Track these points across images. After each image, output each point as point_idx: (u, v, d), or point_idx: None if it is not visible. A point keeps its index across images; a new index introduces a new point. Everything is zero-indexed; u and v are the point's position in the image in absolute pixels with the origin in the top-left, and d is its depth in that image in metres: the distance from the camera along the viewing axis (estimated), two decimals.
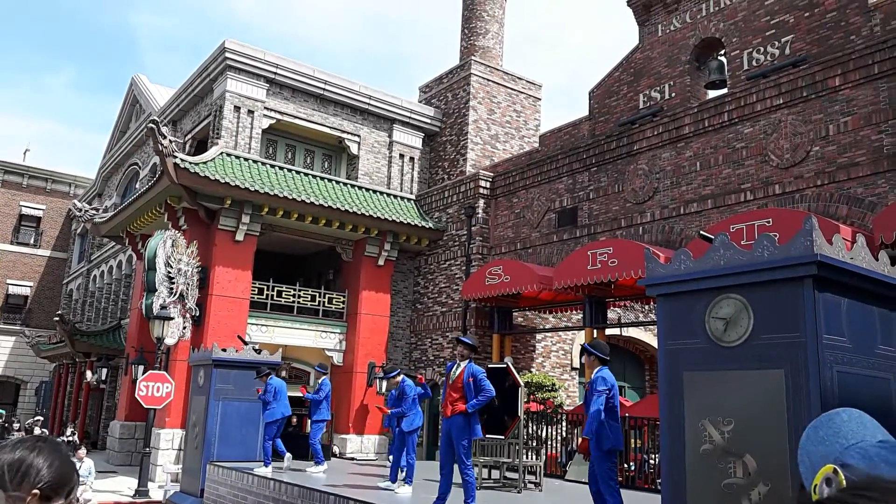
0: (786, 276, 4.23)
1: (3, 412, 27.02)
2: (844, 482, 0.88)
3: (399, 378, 10.41)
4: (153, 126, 16.19)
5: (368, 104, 21.00)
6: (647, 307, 19.66)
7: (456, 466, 7.83)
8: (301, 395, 12.41)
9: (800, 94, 12.73)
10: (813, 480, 0.93)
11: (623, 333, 21.00)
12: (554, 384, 15.79)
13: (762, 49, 13.81)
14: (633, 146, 15.61)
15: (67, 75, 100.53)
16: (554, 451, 13.87)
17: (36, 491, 1.40)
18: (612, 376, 7.04)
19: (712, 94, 15.24)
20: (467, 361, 7.94)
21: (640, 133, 15.46)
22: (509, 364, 11.08)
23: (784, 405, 4.10)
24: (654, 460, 12.16)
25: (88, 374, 23.11)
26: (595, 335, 15.37)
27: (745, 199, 13.28)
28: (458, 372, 7.97)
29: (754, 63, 13.90)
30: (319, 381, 11.90)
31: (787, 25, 13.47)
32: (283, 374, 12.08)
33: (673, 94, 15.36)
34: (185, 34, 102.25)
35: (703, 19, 15.06)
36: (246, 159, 18.54)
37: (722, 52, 14.95)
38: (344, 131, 20.86)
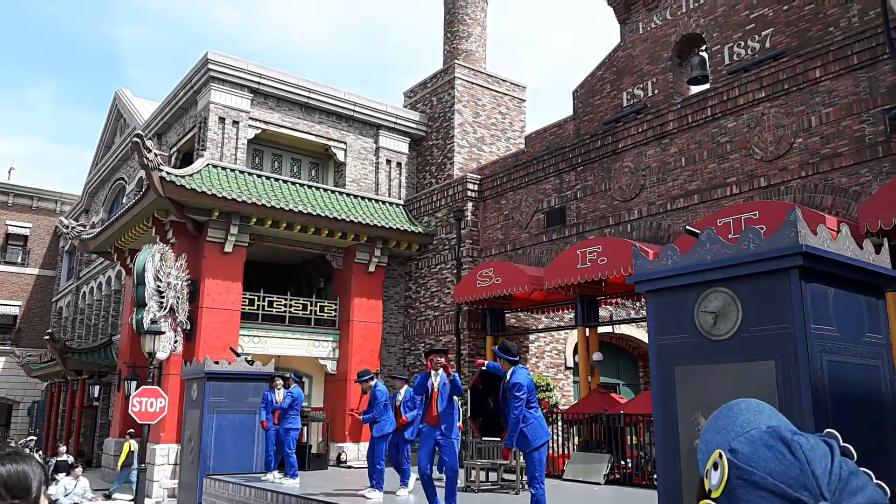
0: (772, 267, 4.27)
1: (15, 446, 26.79)
2: (727, 466, 0.92)
3: (372, 382, 10.27)
4: (138, 140, 16.13)
5: (354, 111, 21.00)
6: (638, 304, 19.73)
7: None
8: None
9: (781, 87, 12.82)
10: (706, 465, 0.99)
11: (616, 331, 21.06)
12: (549, 384, 15.81)
13: (743, 43, 13.91)
14: (619, 144, 15.68)
15: (50, 91, 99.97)
16: (551, 451, 13.87)
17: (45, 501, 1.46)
18: (526, 374, 7.27)
19: (695, 89, 15.32)
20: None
21: (625, 131, 15.53)
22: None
23: (775, 396, 4.12)
24: (650, 456, 12.19)
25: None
26: (587, 334, 15.41)
27: (731, 193, 13.36)
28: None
29: (735, 57, 14.00)
30: (290, 388, 11.79)
31: (767, 19, 13.58)
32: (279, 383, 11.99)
33: (656, 91, 15.44)
34: (167, 47, 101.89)
35: (684, 15, 15.16)
36: (232, 170, 18.49)
37: (703, 47, 15.05)
38: (330, 139, 20.84)
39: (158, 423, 15.88)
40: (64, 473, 14.48)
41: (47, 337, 23.93)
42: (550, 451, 13.82)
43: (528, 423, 7.17)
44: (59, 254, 36.80)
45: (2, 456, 1.51)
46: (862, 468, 0.93)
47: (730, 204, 12.93)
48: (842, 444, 0.95)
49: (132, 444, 17.12)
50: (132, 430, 17.49)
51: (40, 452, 19.28)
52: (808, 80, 12.45)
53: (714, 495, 0.93)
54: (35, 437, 24.08)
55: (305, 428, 17.31)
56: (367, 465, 10.08)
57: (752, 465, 0.91)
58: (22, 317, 36.31)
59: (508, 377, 7.36)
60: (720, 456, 0.94)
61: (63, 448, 19.46)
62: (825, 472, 0.89)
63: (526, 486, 7.76)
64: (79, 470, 14.24)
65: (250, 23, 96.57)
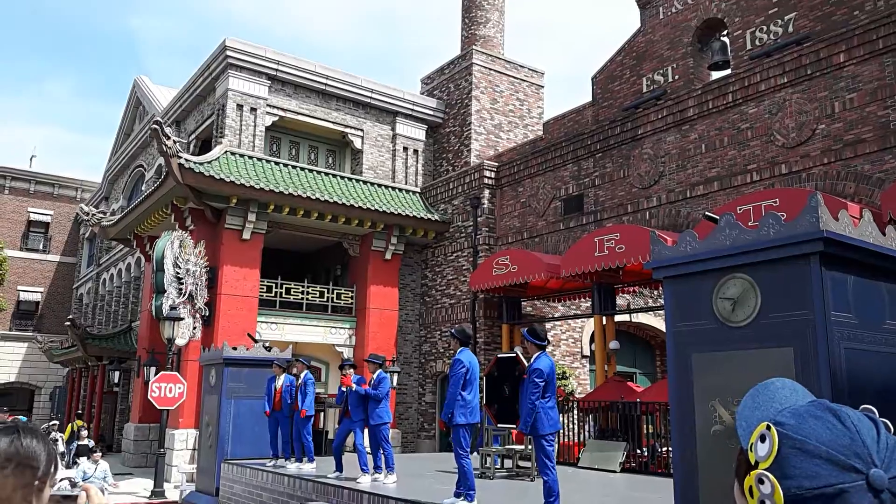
0: (792, 253, 4.19)
1: (25, 419, 27.22)
2: (777, 437, 0.94)
3: (379, 368, 10.26)
4: (156, 127, 16.21)
5: (371, 98, 20.96)
6: (655, 293, 19.59)
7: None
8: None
9: (804, 73, 12.61)
10: (749, 440, 1.00)
11: (633, 320, 20.95)
12: (564, 372, 15.78)
13: (765, 28, 13.68)
14: (638, 131, 15.52)
15: (70, 81, 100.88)
16: (566, 439, 13.86)
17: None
18: (549, 363, 7.42)
19: (716, 75, 15.12)
20: (458, 351, 8.17)
21: (645, 117, 15.37)
22: (519, 353, 11.07)
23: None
24: (667, 444, 12.14)
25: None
26: (604, 322, 15.33)
27: (752, 180, 13.19)
28: None
29: (757, 42, 13.78)
30: (304, 376, 11.72)
31: (790, 3, 13.34)
32: (294, 371, 12.04)
33: (676, 77, 15.25)
34: (185, 36, 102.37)
35: (705, 0, 14.93)
36: (250, 157, 18.54)
37: (724, 32, 14.83)
38: (347, 126, 20.83)
39: (177, 409, 16.07)
40: (85, 457, 14.69)
41: (68, 323, 24.24)
42: (566, 440, 13.81)
43: (538, 410, 7.17)
44: (80, 241, 37.22)
45: (19, 429, 1.52)
46: None
47: (750, 191, 12.76)
48: (881, 419, 0.97)
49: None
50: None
51: (61, 436, 19.57)
52: (832, 64, 12.23)
53: (763, 466, 0.94)
54: (57, 422, 24.41)
55: (321, 414, 17.43)
56: (371, 452, 10.12)
57: (802, 434, 0.93)
58: (44, 303, 36.82)
59: (531, 361, 7.37)
60: (768, 428, 0.95)
61: (84, 432, 19.74)
62: (874, 441, 0.92)
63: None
64: (98, 454, 14.43)
65: (267, 12, 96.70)
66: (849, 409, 0.95)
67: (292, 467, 11.52)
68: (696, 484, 4.54)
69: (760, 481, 0.92)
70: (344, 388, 10.49)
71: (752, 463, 0.96)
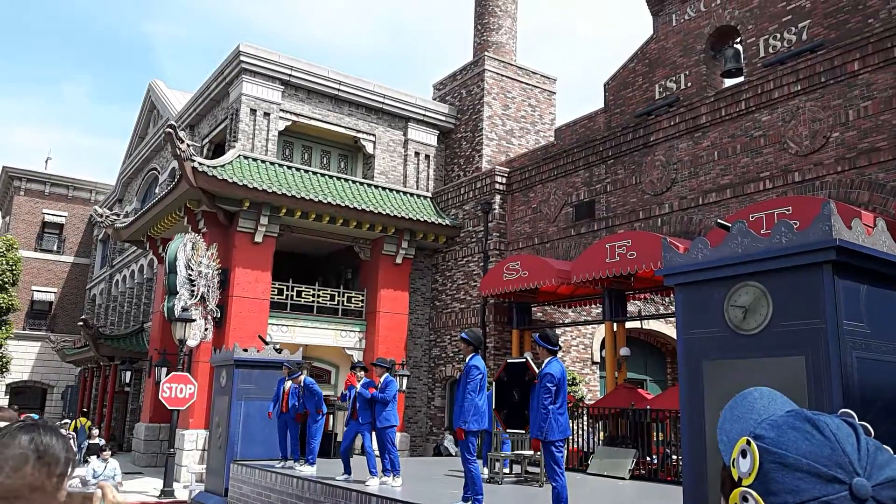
0: (804, 262, 4.19)
1: (37, 417, 27.40)
2: (757, 452, 0.92)
3: (386, 372, 10.25)
4: (170, 130, 16.34)
5: (383, 103, 21.04)
6: (667, 299, 19.53)
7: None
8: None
9: (818, 80, 12.56)
10: (731, 455, 0.98)
11: (644, 326, 20.88)
12: (574, 378, 15.74)
13: (778, 35, 13.65)
14: (650, 137, 15.50)
15: (85, 85, 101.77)
16: (575, 446, 13.83)
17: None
18: (560, 368, 7.39)
19: (729, 82, 15.08)
20: (471, 356, 8.10)
21: (657, 124, 15.35)
22: (528, 359, 11.07)
23: (805, 392, 4.05)
24: (678, 452, 12.09)
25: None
26: (615, 329, 15.30)
27: (765, 188, 13.14)
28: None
29: (771, 50, 13.74)
30: (304, 380, 11.84)
31: (804, 10, 13.30)
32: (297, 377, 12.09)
33: (689, 84, 15.22)
34: (199, 42, 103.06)
35: (718, 7, 14.91)
36: (263, 161, 18.65)
37: (738, 39, 14.79)
38: (359, 131, 20.91)
39: (187, 409, 16.15)
40: (95, 456, 14.79)
41: (81, 323, 24.41)
42: (575, 446, 13.77)
43: (550, 415, 7.16)
44: (94, 242, 37.51)
45: (39, 427, 1.55)
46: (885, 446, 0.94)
47: (763, 199, 12.71)
48: (859, 422, 0.95)
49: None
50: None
51: (73, 435, 19.72)
52: (846, 72, 12.18)
53: (746, 483, 0.92)
54: (68, 421, 24.59)
55: (331, 416, 17.46)
56: (379, 455, 10.15)
57: (782, 447, 0.91)
58: (57, 303, 37.11)
59: (543, 366, 7.36)
60: (748, 443, 0.94)
61: (95, 431, 19.87)
62: (854, 448, 0.90)
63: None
64: (107, 453, 14.52)
65: (281, 18, 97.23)
66: (827, 418, 0.94)
67: (298, 467, 11.58)
68: (705, 492, 4.54)
69: (745, 499, 0.91)
70: (346, 391, 10.56)
71: (736, 479, 0.95)
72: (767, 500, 0.89)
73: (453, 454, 18.19)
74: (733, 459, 0.97)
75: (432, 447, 18.91)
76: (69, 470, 1.54)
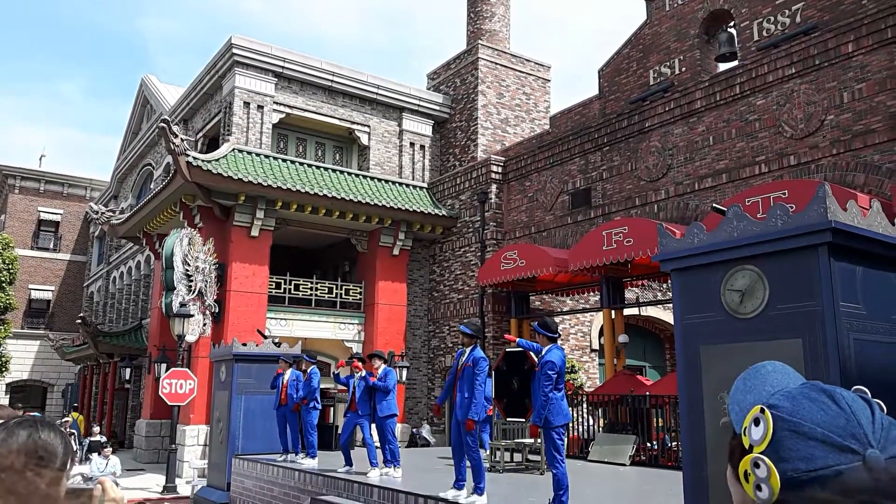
0: (800, 244, 4.19)
1: (40, 415, 27.42)
2: (771, 420, 0.92)
3: (382, 364, 10.32)
4: (164, 125, 16.27)
5: (377, 94, 20.96)
6: (664, 286, 19.54)
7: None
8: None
9: (812, 63, 12.53)
10: (742, 424, 0.98)
11: (642, 313, 20.91)
12: (573, 366, 15.77)
13: (772, 19, 13.60)
14: (645, 123, 15.47)
15: (80, 82, 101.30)
16: (576, 433, 13.87)
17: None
18: (560, 355, 7.43)
19: (723, 66, 15.03)
20: (471, 348, 8.06)
21: (652, 110, 15.31)
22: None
23: (803, 374, 4.04)
24: (677, 440, 12.13)
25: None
26: (613, 316, 15.31)
27: (760, 172, 13.13)
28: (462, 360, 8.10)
29: (765, 33, 13.69)
30: (309, 370, 11.84)
31: None
32: (303, 366, 12.10)
33: (683, 69, 15.18)
34: (193, 35, 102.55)
35: None
36: (258, 155, 18.59)
37: (731, 23, 14.73)
38: (354, 122, 20.84)
39: (188, 405, 16.17)
40: (96, 453, 14.81)
41: (79, 321, 24.40)
42: (575, 433, 13.81)
43: (550, 402, 7.18)
44: (90, 239, 37.42)
45: (37, 422, 1.55)
46: None
47: (759, 183, 12.70)
48: (873, 399, 0.96)
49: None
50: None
51: (74, 433, 19.74)
52: (841, 54, 12.14)
53: (758, 450, 0.92)
54: (70, 419, 24.62)
55: (331, 409, 17.49)
56: (380, 445, 10.17)
57: (797, 416, 0.91)
58: (55, 301, 37.05)
59: (543, 354, 7.37)
60: (762, 411, 0.94)
61: (97, 429, 19.89)
62: (869, 421, 0.90)
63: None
64: (108, 450, 14.55)
65: (275, 11, 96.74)
66: (843, 391, 0.94)
67: (299, 461, 11.61)
68: (704, 476, 4.55)
69: (756, 465, 0.91)
70: (344, 377, 10.62)
71: (747, 447, 0.95)
72: (780, 467, 0.89)
73: (431, 444, 18.23)
74: (745, 428, 0.97)
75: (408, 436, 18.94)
76: (68, 465, 1.54)
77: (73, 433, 18.89)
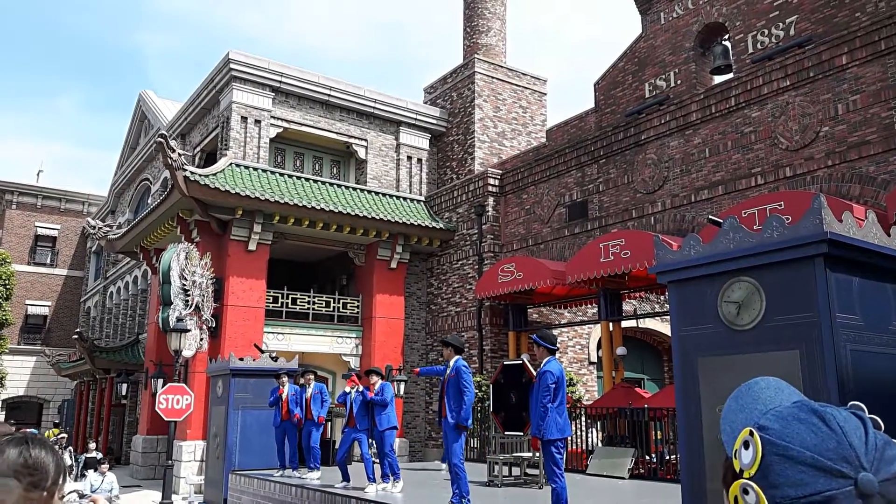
0: (796, 255, 4.19)
1: (37, 431, 27.27)
2: (760, 443, 0.90)
3: (380, 380, 10.33)
4: (162, 140, 16.28)
5: (374, 108, 21.02)
6: (662, 298, 19.54)
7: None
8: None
9: (807, 75, 12.60)
10: (733, 445, 0.96)
11: (640, 325, 20.89)
12: (572, 379, 15.72)
13: (766, 31, 13.69)
14: (641, 136, 15.52)
15: (77, 97, 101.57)
16: (574, 446, 13.80)
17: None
18: (559, 367, 7.50)
19: (718, 79, 15.11)
20: (455, 358, 8.27)
21: (648, 122, 15.37)
22: (525, 360, 11.05)
23: (800, 386, 4.04)
24: (676, 452, 12.07)
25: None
26: (611, 328, 15.29)
27: (756, 184, 13.16)
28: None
29: (759, 46, 13.78)
30: (311, 384, 11.83)
31: (791, 6, 13.34)
32: (301, 381, 12.05)
33: (678, 82, 15.25)
34: (190, 51, 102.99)
35: (706, 4, 14.95)
36: (255, 169, 18.61)
37: (726, 36, 14.83)
38: (351, 136, 20.89)
39: (185, 420, 16.06)
40: (92, 469, 14.71)
41: (76, 336, 24.30)
42: (574, 447, 13.75)
43: (548, 414, 7.16)
44: (87, 254, 37.35)
45: (28, 440, 1.53)
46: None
47: (754, 195, 12.73)
48: (868, 415, 0.92)
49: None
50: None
51: (70, 449, 19.61)
52: (835, 67, 12.21)
53: (747, 475, 0.90)
54: (66, 435, 24.46)
55: (329, 423, 17.40)
56: (378, 460, 10.13)
57: (786, 439, 0.89)
58: (52, 317, 36.93)
59: (542, 365, 7.37)
60: (751, 434, 0.91)
61: (93, 445, 19.76)
62: (861, 442, 0.87)
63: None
64: (105, 466, 14.44)
65: (272, 25, 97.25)
66: (834, 410, 0.91)
67: (299, 476, 11.53)
68: (703, 489, 4.52)
69: (745, 491, 0.89)
70: (348, 389, 10.56)
71: (737, 470, 0.92)
72: (769, 494, 0.86)
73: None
74: (735, 451, 0.94)
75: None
76: (60, 483, 1.52)
77: (70, 450, 18.76)
